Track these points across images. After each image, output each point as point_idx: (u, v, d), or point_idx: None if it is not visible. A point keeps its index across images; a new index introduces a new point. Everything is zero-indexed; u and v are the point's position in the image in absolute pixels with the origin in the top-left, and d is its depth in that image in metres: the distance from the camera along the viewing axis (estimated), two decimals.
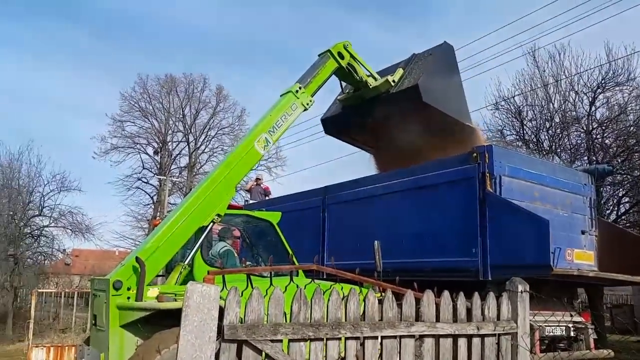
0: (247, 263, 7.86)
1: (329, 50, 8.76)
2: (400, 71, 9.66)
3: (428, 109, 9.22)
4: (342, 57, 8.82)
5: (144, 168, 42.81)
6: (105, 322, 6.19)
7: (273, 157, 41.11)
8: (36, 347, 11.58)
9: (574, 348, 8.40)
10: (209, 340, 3.40)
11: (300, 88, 8.17)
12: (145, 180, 42.90)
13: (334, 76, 9.04)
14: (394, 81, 9.47)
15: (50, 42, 75.64)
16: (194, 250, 7.03)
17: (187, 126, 44.11)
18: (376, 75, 9.52)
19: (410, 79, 9.41)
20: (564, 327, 8.25)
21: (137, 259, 6.28)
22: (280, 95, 8.24)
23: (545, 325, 7.75)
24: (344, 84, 9.97)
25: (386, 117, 9.76)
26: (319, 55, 8.90)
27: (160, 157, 43.45)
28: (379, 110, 9.74)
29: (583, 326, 8.51)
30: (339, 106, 10.63)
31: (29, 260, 25.56)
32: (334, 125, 10.90)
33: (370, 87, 9.44)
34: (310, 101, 8.28)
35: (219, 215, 7.15)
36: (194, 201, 7.01)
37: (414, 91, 9.10)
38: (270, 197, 15.78)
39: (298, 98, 8.11)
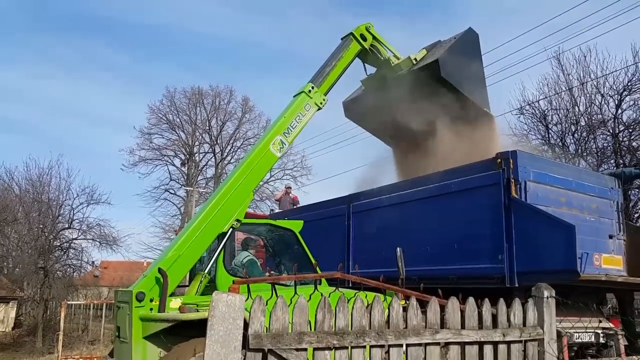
0: (271, 272, 7.88)
1: (351, 33, 8.73)
2: (423, 51, 9.67)
3: (446, 86, 9.15)
4: (365, 39, 8.80)
5: (171, 179, 43.60)
6: (129, 333, 6.23)
7: (298, 167, 41.35)
8: (65, 358, 11.74)
9: (604, 355, 8.26)
10: (235, 349, 3.42)
11: (312, 87, 8.11)
12: (173, 192, 43.63)
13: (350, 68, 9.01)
14: (415, 59, 9.43)
15: (79, 57, 77.39)
16: (214, 259, 7.02)
17: (213, 137, 44.75)
18: (399, 55, 9.48)
19: (431, 57, 9.40)
20: (592, 334, 8.11)
21: (159, 269, 6.32)
22: (294, 96, 8.19)
23: (573, 332, 7.64)
24: (368, 68, 9.92)
25: (405, 95, 9.57)
26: (341, 39, 8.88)
27: (187, 168, 44.04)
28: (398, 88, 9.59)
29: (613, 332, 8.35)
30: (360, 88, 10.59)
31: (58, 272, 25.91)
32: (354, 107, 10.78)
33: (392, 65, 9.38)
34: (324, 100, 8.24)
35: (238, 220, 7.14)
36: (212, 208, 7.00)
37: (433, 65, 9.08)
38: (299, 206, 15.83)
39: (311, 98, 8.06)
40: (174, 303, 6.29)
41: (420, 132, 10.15)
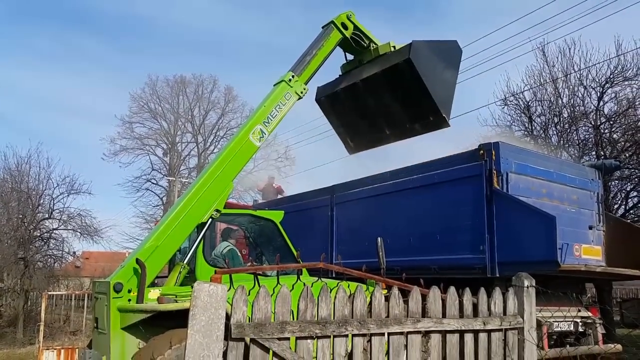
0: (253, 263, 7.87)
1: (332, 22, 8.60)
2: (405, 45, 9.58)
3: (411, 72, 8.78)
4: (346, 28, 8.67)
5: (153, 169, 43.24)
6: (107, 324, 6.17)
7: (282, 157, 41.23)
8: (47, 349, 11.65)
9: (582, 343, 8.39)
10: (217, 339, 3.42)
11: (293, 76, 8.00)
12: (155, 182, 43.30)
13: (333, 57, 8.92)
14: (394, 47, 9.28)
15: (60, 46, 76.36)
16: (193, 249, 6.98)
17: (196, 127, 44.46)
18: (379, 43, 9.34)
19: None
20: (571, 322, 8.23)
21: (137, 260, 6.27)
22: (274, 85, 8.09)
23: (553, 321, 7.74)
24: (349, 58, 9.77)
25: (371, 77, 9.31)
26: (322, 27, 8.77)
27: (170, 158, 43.75)
28: (367, 70, 9.40)
29: (591, 321, 8.49)
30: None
31: (39, 263, 25.62)
32: (326, 90, 10.30)
33: (371, 50, 9.27)
34: (305, 89, 8.12)
35: (217, 210, 7.06)
36: (191, 197, 6.91)
37: (405, 49, 8.86)
38: (283, 196, 15.78)
39: (291, 87, 7.93)
40: (153, 294, 6.22)
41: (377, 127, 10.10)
